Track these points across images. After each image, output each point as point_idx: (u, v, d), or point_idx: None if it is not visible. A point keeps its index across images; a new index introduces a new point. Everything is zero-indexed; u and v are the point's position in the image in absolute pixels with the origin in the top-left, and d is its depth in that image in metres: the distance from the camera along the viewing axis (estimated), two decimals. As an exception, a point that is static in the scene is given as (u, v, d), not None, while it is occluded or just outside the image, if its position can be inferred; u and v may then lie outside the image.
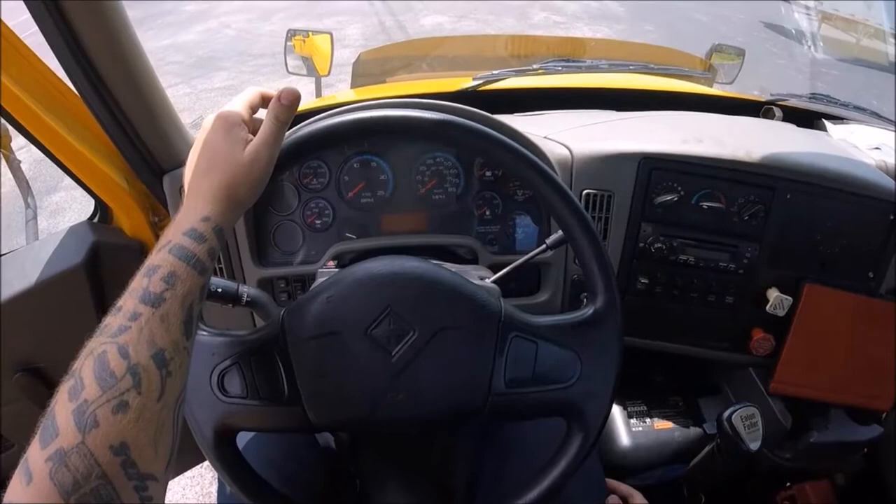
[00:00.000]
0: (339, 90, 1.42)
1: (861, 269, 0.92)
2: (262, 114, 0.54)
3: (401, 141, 0.84)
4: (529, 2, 9.00)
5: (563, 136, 0.91)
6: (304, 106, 1.01)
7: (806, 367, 0.93)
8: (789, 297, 0.89)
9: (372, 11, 8.14)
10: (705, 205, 0.87)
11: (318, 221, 0.84)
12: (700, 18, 9.23)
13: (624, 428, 0.93)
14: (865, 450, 1.11)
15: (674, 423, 0.94)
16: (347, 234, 0.85)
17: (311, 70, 1.33)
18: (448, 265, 0.62)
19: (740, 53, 1.51)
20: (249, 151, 0.50)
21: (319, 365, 0.54)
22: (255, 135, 0.52)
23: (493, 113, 1.10)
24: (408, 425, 0.60)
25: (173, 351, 0.42)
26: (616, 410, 0.95)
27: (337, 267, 0.76)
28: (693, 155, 0.86)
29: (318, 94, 1.44)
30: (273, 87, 0.55)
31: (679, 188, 0.87)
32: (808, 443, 0.93)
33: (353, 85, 1.36)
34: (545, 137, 0.92)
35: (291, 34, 1.30)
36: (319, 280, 0.61)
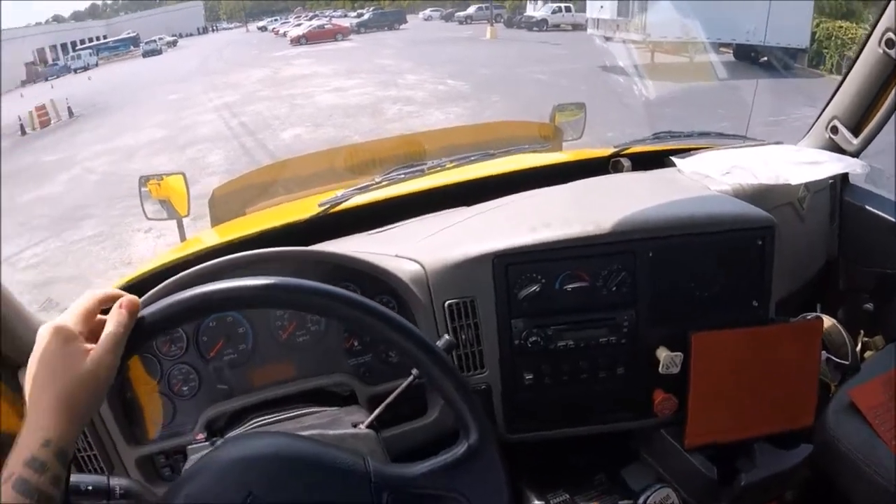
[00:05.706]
0: (205, 229, 1.41)
1: (744, 301, 0.91)
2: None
3: None
4: (381, 99, 9.53)
5: (414, 250, 0.89)
6: (168, 255, 0.97)
7: (715, 415, 0.89)
8: (679, 353, 0.86)
9: (231, 135, 8.20)
10: (569, 287, 0.85)
11: (184, 388, 0.81)
12: (540, 78, 10.20)
13: None
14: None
15: (600, 503, 0.90)
16: (219, 386, 0.82)
17: (172, 212, 1.33)
18: (317, 415, 0.69)
19: (581, 107, 1.56)
20: (91, 360, 0.50)
21: None
22: (95, 340, 0.51)
23: (347, 233, 1.06)
24: None
25: None
26: None
27: (209, 436, 0.76)
28: (543, 242, 0.84)
29: (182, 236, 1.45)
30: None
31: (539, 277, 0.84)
32: (740, 487, 0.90)
33: (214, 223, 1.34)
34: (396, 256, 0.88)
35: (144, 180, 1.31)
36: (188, 462, 0.63)
